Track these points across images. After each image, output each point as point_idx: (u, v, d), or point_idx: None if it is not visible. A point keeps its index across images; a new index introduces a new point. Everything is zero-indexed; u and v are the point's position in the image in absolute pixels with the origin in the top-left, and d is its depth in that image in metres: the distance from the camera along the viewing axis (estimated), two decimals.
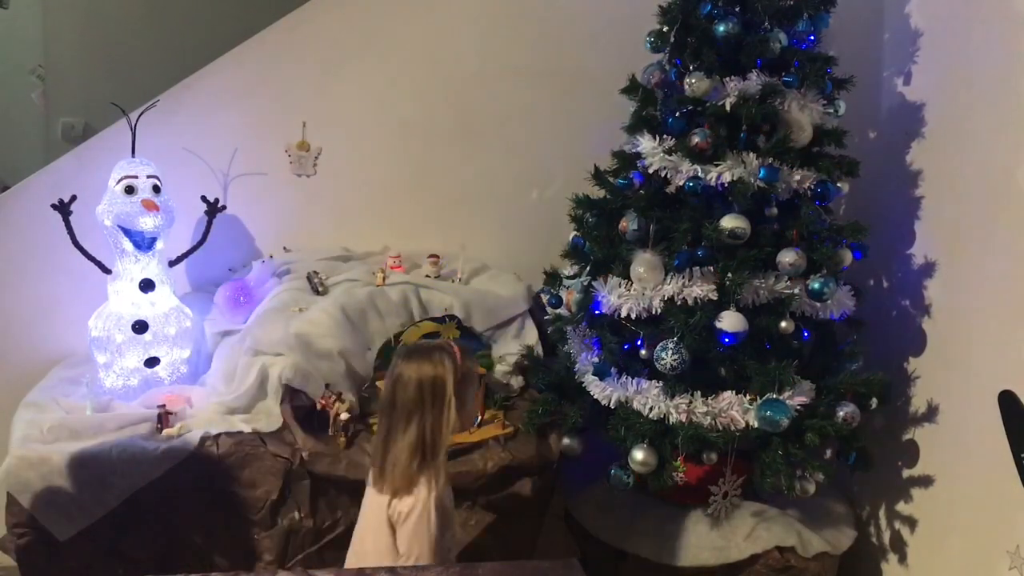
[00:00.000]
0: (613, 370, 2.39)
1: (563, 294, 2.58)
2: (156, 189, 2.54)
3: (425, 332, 2.69)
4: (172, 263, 2.69)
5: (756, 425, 2.22)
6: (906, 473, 2.59)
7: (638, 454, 2.28)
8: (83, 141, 2.86)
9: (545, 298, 2.60)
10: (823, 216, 2.34)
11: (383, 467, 1.88)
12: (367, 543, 1.92)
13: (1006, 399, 2.17)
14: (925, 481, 2.53)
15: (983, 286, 2.31)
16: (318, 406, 2.42)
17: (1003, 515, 2.20)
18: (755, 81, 2.26)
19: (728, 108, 2.26)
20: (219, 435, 2.31)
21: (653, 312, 2.28)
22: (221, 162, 2.86)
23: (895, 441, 2.62)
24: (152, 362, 2.53)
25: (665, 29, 2.37)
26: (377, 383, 2.59)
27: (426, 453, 1.85)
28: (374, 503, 1.90)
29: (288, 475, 2.32)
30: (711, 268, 2.25)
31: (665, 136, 2.33)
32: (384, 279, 2.73)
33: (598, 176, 2.50)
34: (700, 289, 2.22)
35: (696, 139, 2.24)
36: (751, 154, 2.25)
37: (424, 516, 1.83)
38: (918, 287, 2.56)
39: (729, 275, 2.21)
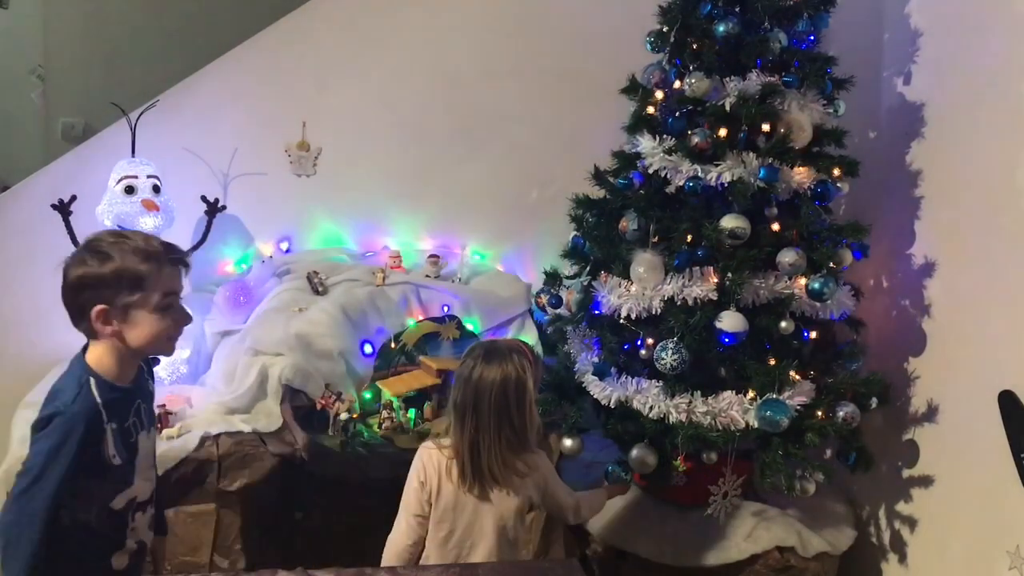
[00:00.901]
0: (613, 370, 2.39)
1: (563, 294, 2.58)
2: (156, 189, 2.54)
3: (425, 332, 2.69)
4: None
5: (756, 425, 2.22)
6: (906, 473, 2.59)
7: (638, 454, 2.28)
8: (83, 141, 2.86)
9: (545, 298, 2.60)
10: (823, 216, 2.34)
11: (479, 470, 1.87)
12: (489, 546, 1.91)
13: (1006, 399, 2.17)
14: (925, 481, 2.53)
15: (983, 286, 2.31)
16: (318, 406, 2.43)
17: (1003, 515, 2.20)
18: (755, 81, 2.26)
19: (728, 108, 2.26)
20: (219, 435, 2.31)
21: (653, 312, 2.28)
22: (221, 162, 2.86)
23: (895, 441, 2.62)
24: (152, 362, 2.53)
25: (665, 29, 2.37)
26: (378, 383, 2.59)
27: (516, 448, 1.89)
28: (491, 505, 1.90)
29: (288, 475, 2.32)
30: (711, 268, 2.25)
31: (665, 136, 2.33)
32: (384, 279, 2.74)
33: (598, 176, 2.50)
34: (700, 289, 2.22)
35: (696, 139, 2.24)
36: (751, 154, 2.25)
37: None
38: (918, 287, 2.56)
39: (729, 275, 2.21)
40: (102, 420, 1.64)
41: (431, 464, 1.92)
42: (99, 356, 1.68)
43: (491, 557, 1.90)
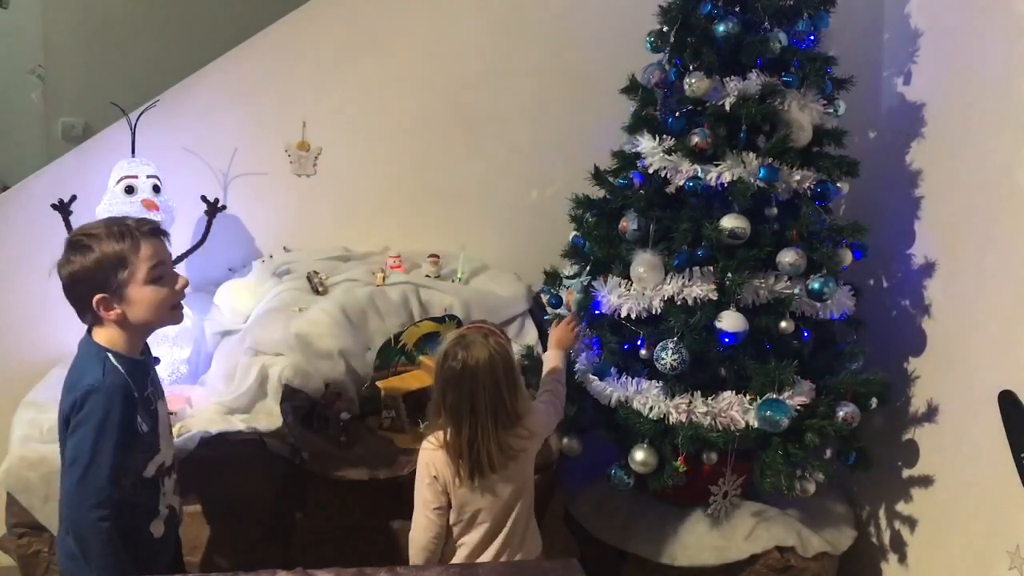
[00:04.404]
0: (613, 370, 2.39)
1: (563, 294, 2.58)
2: (156, 189, 2.54)
3: (425, 332, 2.69)
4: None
5: (756, 425, 2.22)
6: (906, 473, 2.59)
7: (638, 454, 2.28)
8: (83, 141, 2.86)
9: (545, 298, 2.60)
10: (823, 216, 2.34)
11: (479, 464, 1.89)
12: (517, 513, 2.00)
13: (1006, 399, 2.17)
14: (925, 481, 2.53)
15: (983, 286, 2.31)
16: (318, 406, 2.42)
17: (1003, 515, 2.20)
18: (755, 81, 2.26)
19: (728, 108, 2.26)
20: (219, 435, 2.31)
21: (653, 312, 2.28)
22: (221, 162, 2.86)
23: (895, 441, 2.62)
24: (154, 360, 2.53)
25: (665, 29, 2.37)
26: (377, 383, 2.59)
27: (510, 425, 1.92)
28: (504, 484, 1.95)
29: (288, 475, 2.32)
30: (711, 268, 2.25)
31: (665, 136, 2.33)
32: (384, 279, 2.74)
33: (598, 176, 2.51)
34: (700, 289, 2.22)
35: (696, 139, 2.25)
36: (751, 154, 2.25)
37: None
38: (918, 287, 2.56)
39: (729, 275, 2.21)
40: (132, 390, 1.72)
41: (438, 461, 1.94)
42: (109, 335, 1.75)
43: (521, 520, 2.01)
